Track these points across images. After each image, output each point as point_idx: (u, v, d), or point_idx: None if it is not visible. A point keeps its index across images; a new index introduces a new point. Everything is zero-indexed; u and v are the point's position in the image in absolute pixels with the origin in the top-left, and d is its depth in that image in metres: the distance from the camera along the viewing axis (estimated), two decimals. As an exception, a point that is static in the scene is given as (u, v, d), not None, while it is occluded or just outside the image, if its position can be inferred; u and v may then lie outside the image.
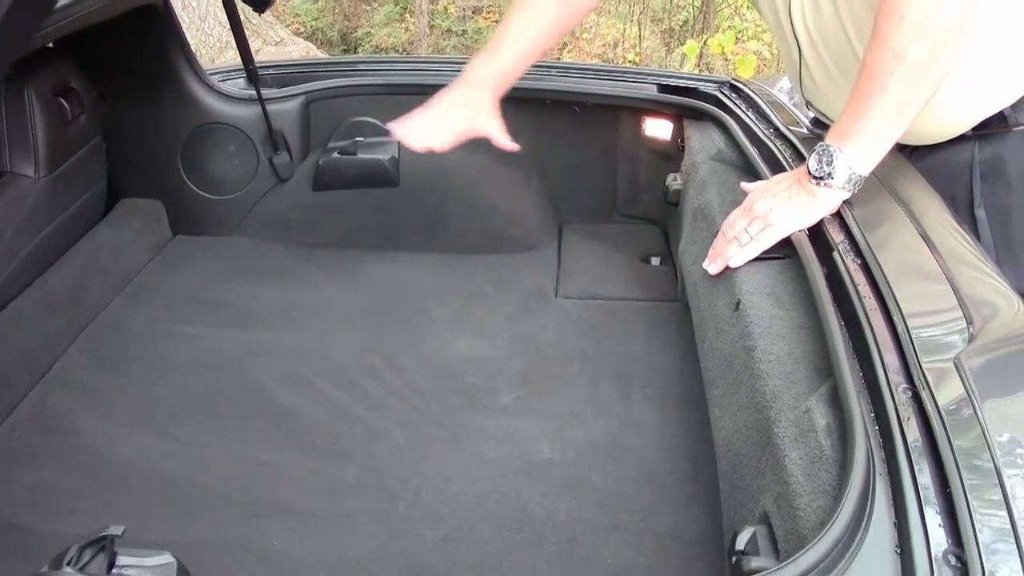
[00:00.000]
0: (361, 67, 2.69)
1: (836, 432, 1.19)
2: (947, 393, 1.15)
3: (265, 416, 1.93)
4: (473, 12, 8.75)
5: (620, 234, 2.64)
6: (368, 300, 2.35)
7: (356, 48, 8.34)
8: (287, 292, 2.38)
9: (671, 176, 2.29)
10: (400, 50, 8.21)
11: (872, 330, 1.29)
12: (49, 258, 2.24)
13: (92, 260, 2.32)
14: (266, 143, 2.57)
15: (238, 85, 2.67)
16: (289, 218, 2.61)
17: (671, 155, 2.49)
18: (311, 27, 8.57)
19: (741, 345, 1.50)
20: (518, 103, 2.49)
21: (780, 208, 1.61)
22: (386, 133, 2.50)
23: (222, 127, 2.56)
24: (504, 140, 1.91)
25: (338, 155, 2.54)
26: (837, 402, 1.22)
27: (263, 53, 6.57)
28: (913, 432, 1.11)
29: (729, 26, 6.75)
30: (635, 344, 2.14)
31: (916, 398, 1.16)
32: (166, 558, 1.23)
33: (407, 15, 8.53)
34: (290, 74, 2.70)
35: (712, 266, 1.72)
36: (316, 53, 7.14)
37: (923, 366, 1.20)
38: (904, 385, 1.19)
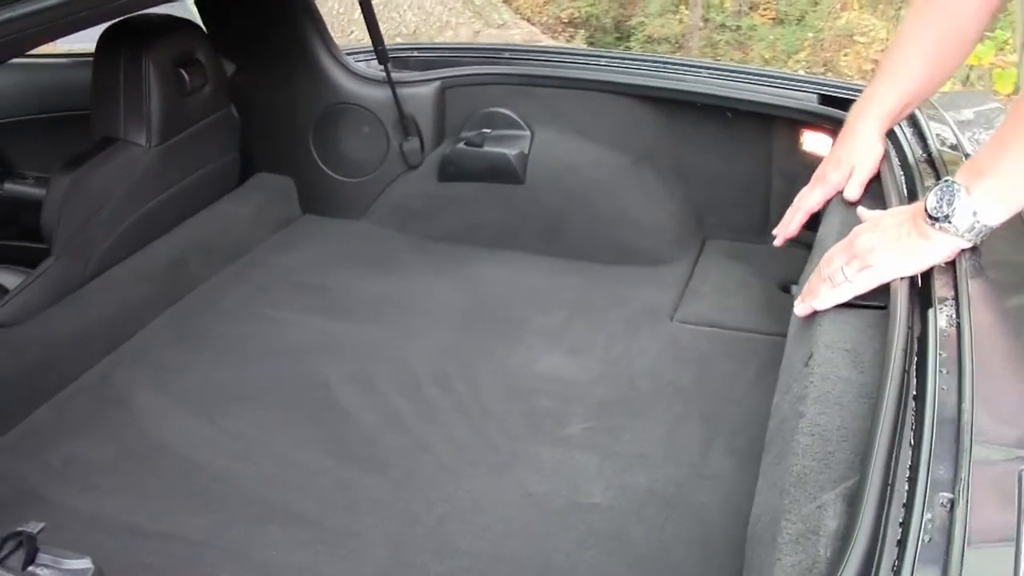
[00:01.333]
0: (506, 55, 2.53)
1: (841, 542, 0.93)
2: (991, 513, 0.88)
3: (318, 417, 1.82)
4: (750, 8, 8.39)
5: (767, 257, 2.35)
6: (469, 301, 2.20)
7: (629, 36, 8.18)
8: (391, 284, 2.27)
9: None
10: (672, 42, 7.98)
11: (934, 414, 1.02)
12: (159, 229, 2.24)
13: (199, 233, 2.30)
14: (397, 128, 2.47)
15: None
16: (412, 207, 2.51)
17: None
18: (586, 13, 8.46)
19: (794, 409, 1.24)
20: (663, 105, 2.28)
21: (884, 248, 1.33)
22: (520, 127, 2.37)
23: (354, 108, 2.48)
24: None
25: (464, 146, 2.41)
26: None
27: (484, 35, 6.56)
28: (933, 553, 0.85)
29: (989, 36, 6.08)
30: (740, 383, 1.88)
31: (952, 512, 0.89)
32: (85, 563, 1.12)
33: (682, 6, 8.27)
34: (431, 58, 2.58)
35: (800, 306, 1.45)
36: (540, 38, 7.04)
37: (974, 471, 0.92)
38: (946, 494, 0.91)
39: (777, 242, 1.69)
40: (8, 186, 2.43)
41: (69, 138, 2.27)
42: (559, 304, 2.17)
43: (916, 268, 1.30)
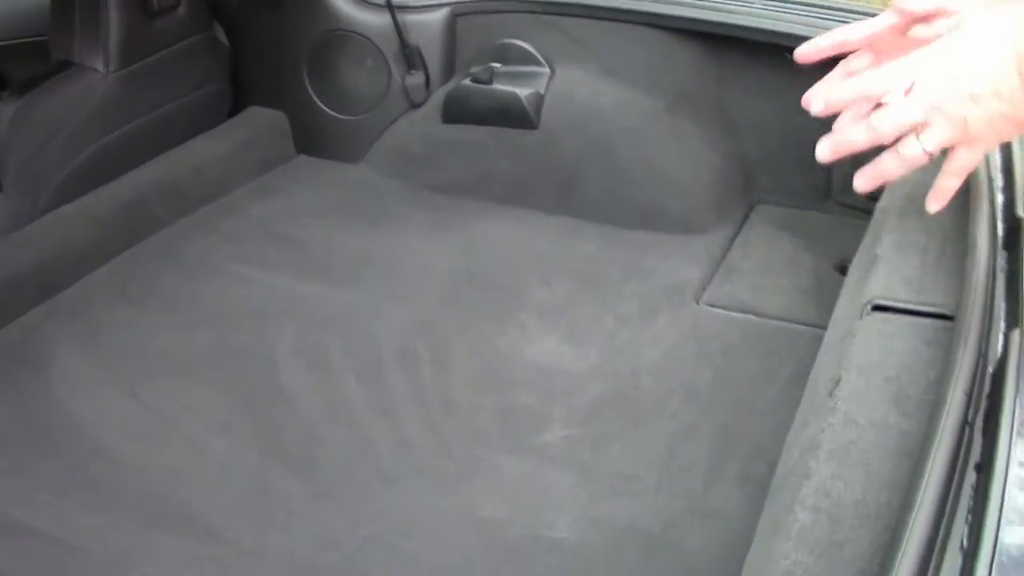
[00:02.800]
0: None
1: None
2: None
3: (253, 397, 1.52)
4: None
5: (827, 229, 1.96)
6: (461, 265, 1.86)
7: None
8: (376, 240, 1.94)
9: None
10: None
11: (1003, 500, 0.67)
12: (124, 166, 1.95)
13: (167, 173, 2.00)
14: (400, 60, 2.12)
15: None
16: (413, 151, 2.17)
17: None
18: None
19: (803, 461, 0.88)
20: (707, 41, 1.89)
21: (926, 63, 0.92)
22: (538, 62, 2.01)
23: (352, 36, 2.15)
24: None
25: (470, 83, 2.05)
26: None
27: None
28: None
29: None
30: (770, 389, 1.52)
31: None
32: None
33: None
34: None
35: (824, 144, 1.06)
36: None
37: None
38: None
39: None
40: None
41: None
42: (566, 274, 1.82)
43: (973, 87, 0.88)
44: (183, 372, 1.59)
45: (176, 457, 1.42)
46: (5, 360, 1.61)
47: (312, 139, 2.28)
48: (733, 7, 1.88)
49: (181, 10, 1.98)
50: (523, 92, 2.00)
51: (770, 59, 1.89)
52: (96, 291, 1.78)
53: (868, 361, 0.95)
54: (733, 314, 1.70)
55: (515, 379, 1.56)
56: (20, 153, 1.76)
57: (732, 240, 1.92)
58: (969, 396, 0.81)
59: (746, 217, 2.00)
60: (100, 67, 1.86)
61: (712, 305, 1.73)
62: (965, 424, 0.79)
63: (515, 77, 2.03)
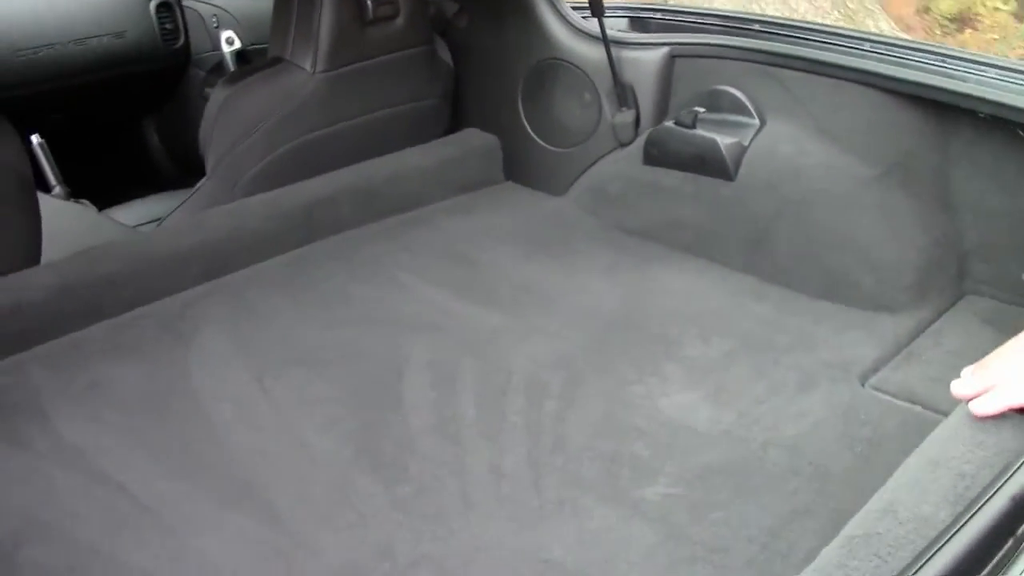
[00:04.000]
0: (756, 28, 2.07)
1: None
2: None
3: (368, 402, 1.55)
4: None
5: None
6: (625, 307, 1.81)
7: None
8: (548, 271, 1.92)
9: None
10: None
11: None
12: (320, 163, 2.05)
13: (364, 178, 2.08)
14: (612, 96, 2.10)
15: (618, 27, 2.23)
16: (610, 191, 2.13)
17: None
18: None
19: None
20: (933, 108, 1.75)
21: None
22: (748, 113, 1.93)
23: (567, 66, 2.15)
24: None
25: (673, 125, 2.00)
26: None
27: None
28: None
29: None
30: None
31: None
32: None
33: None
34: (668, 21, 2.19)
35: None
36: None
37: None
38: None
39: None
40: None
41: None
42: (729, 333, 1.72)
43: None
44: (311, 366, 1.62)
45: (273, 444, 1.45)
46: (157, 328, 1.72)
47: (520, 166, 2.30)
48: (966, 74, 1.72)
49: (399, 21, 2.05)
50: (724, 141, 1.92)
51: (1004, 135, 1.72)
52: (260, 279, 1.86)
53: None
54: (898, 402, 1.54)
55: (637, 428, 1.48)
56: (225, 139, 1.88)
57: (926, 327, 1.74)
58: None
59: (951, 306, 1.81)
60: (308, 66, 1.95)
61: (878, 389, 1.57)
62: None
63: (720, 125, 1.96)
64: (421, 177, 2.16)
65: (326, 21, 1.93)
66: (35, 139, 2.36)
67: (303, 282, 1.86)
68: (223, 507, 1.31)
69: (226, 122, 1.91)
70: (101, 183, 2.50)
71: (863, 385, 1.59)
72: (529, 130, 2.24)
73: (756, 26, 2.07)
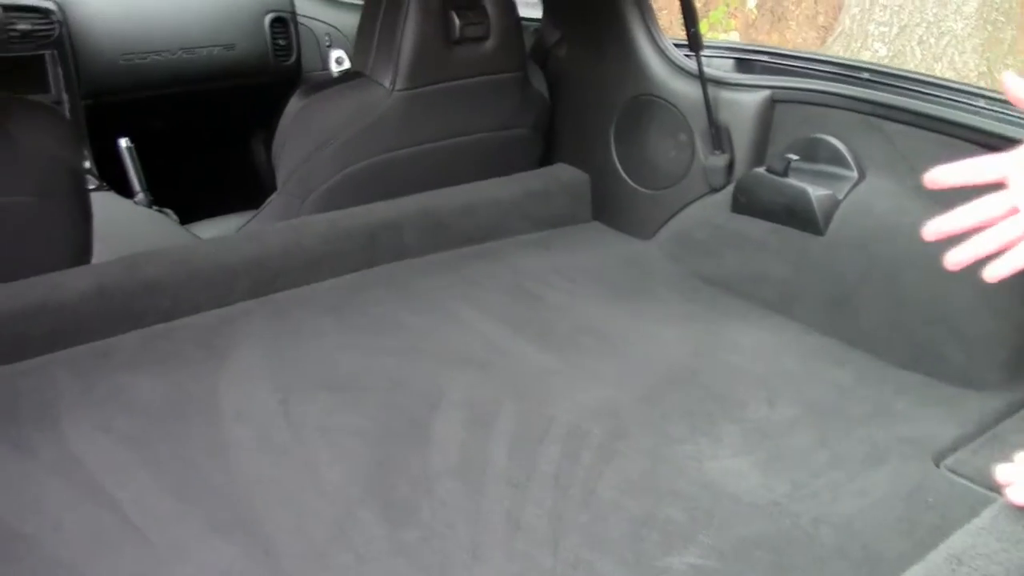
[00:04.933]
0: (864, 76, 1.95)
1: None
2: None
3: (392, 436, 1.47)
4: None
5: None
6: (690, 362, 1.70)
7: None
8: (617, 316, 1.83)
9: None
10: None
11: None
12: (393, 185, 2.01)
13: (435, 205, 2.02)
14: (707, 138, 2.01)
15: (723, 68, 2.14)
16: (695, 237, 2.03)
17: None
18: None
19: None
20: None
21: None
22: (847, 165, 1.81)
23: (661, 103, 2.07)
24: None
25: (764, 171, 1.89)
26: None
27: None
28: None
29: None
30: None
31: None
32: None
33: None
34: (765, 63, 2.08)
35: None
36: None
37: None
38: None
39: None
40: None
41: None
42: (798, 398, 1.60)
43: None
44: (342, 393, 1.57)
45: (282, 471, 1.38)
46: (192, 341, 1.68)
47: (608, 206, 2.22)
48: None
49: (489, 44, 1.99)
50: (816, 192, 1.80)
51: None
52: (309, 300, 1.82)
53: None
54: (974, 488, 1.39)
55: (676, 490, 1.37)
56: (297, 152, 1.86)
57: (1016, 409, 1.57)
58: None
59: None
60: (387, 83, 1.91)
61: (953, 471, 1.43)
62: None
63: (815, 175, 1.84)
64: (498, 210, 2.10)
65: (408, 37, 1.89)
66: (123, 142, 2.38)
67: (353, 307, 1.81)
68: (214, 533, 1.25)
69: (299, 134, 1.89)
70: (198, 196, 2.53)
71: (937, 466, 1.44)
72: (620, 168, 2.16)
73: (865, 74, 1.94)
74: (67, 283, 1.67)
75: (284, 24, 2.87)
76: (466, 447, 1.44)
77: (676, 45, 2.10)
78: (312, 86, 1.94)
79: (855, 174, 1.82)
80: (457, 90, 2.00)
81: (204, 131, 2.85)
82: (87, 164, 2.18)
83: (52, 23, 2.72)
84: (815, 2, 6.68)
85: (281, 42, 2.81)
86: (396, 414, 1.51)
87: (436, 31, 1.92)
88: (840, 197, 1.80)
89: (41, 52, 2.71)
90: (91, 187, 2.37)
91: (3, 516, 1.26)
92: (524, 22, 2.16)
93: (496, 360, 1.67)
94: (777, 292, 1.86)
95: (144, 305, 1.70)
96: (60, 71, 2.75)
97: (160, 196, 2.51)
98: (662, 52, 2.05)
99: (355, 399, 1.55)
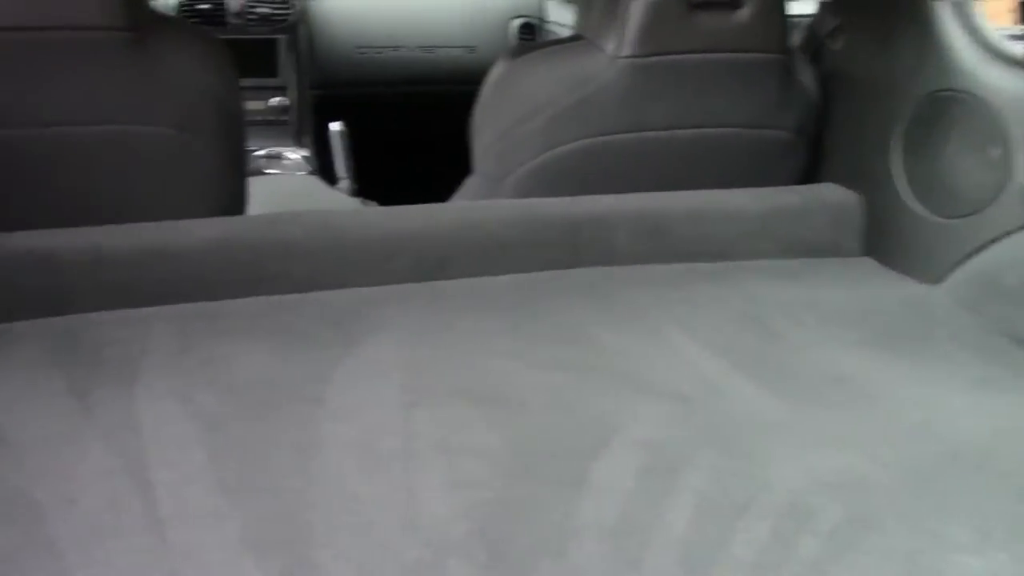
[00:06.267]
0: None
1: None
2: None
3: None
4: None
5: None
6: (974, 445, 1.18)
7: None
8: (854, 377, 1.31)
9: None
10: None
11: None
12: (611, 177, 1.65)
13: (648, 211, 1.63)
14: (1027, 147, 1.50)
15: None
16: (1005, 282, 1.52)
17: None
18: None
19: None
20: None
21: None
22: None
23: (968, 101, 1.58)
24: None
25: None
26: None
27: None
28: None
29: None
30: None
31: None
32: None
33: None
34: None
35: None
36: None
37: None
38: None
39: None
40: None
41: None
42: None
43: None
44: (482, 406, 1.20)
45: (371, 487, 1.03)
46: (322, 320, 1.40)
47: (884, 235, 1.73)
48: None
49: (744, 12, 1.59)
50: None
51: None
52: (479, 294, 1.50)
53: None
54: None
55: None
56: (497, 123, 1.56)
57: None
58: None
59: None
60: (610, 48, 1.57)
61: None
62: None
63: None
64: (738, 225, 1.68)
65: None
66: (334, 125, 2.23)
67: (535, 310, 1.44)
68: (246, 550, 0.91)
69: (500, 103, 1.58)
70: (409, 198, 2.31)
71: None
72: (905, 187, 1.67)
73: None
74: (194, 231, 1.46)
75: (532, 30, 2.77)
76: (633, 502, 1.01)
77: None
78: (519, 48, 1.64)
79: None
80: (697, 66, 1.61)
81: (431, 134, 2.65)
82: (247, 105, 1.95)
83: (290, 9, 2.69)
84: None
85: (528, 48, 2.63)
86: (548, 444, 1.11)
87: None
88: None
89: (275, 36, 2.68)
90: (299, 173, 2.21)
91: (25, 471, 1.04)
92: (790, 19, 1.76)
93: (701, 397, 1.23)
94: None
95: (276, 270, 1.45)
96: (292, 57, 2.70)
97: (370, 191, 2.35)
98: (975, 33, 1.56)
99: (498, 417, 1.16)
